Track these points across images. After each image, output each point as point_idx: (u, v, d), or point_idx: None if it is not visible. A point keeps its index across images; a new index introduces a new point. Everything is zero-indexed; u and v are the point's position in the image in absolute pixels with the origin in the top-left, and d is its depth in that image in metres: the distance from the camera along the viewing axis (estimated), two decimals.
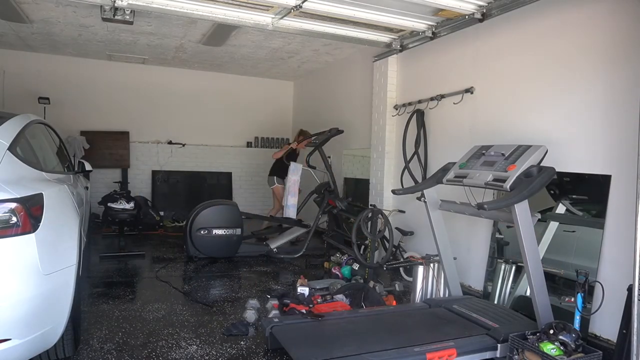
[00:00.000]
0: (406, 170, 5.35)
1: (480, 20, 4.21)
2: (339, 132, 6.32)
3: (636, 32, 3.07)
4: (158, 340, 3.24)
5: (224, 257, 5.75)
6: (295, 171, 6.45)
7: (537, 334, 2.85)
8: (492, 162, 3.27)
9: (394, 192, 3.96)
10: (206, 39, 6.46)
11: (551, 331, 2.79)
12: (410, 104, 5.46)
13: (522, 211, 2.95)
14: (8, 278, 2.15)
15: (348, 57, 7.18)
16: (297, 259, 5.81)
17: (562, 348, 2.70)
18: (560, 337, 2.75)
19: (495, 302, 3.98)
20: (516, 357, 2.83)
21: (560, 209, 3.71)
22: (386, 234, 4.88)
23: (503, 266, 4.00)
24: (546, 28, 3.76)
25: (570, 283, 3.44)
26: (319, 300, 4.02)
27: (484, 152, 3.43)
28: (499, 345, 3.01)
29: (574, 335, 2.75)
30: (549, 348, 2.69)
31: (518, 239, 3.01)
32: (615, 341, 2.81)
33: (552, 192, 3.77)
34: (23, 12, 5.49)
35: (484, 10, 4.14)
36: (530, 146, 3.15)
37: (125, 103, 8.51)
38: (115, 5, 4.11)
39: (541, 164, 3.10)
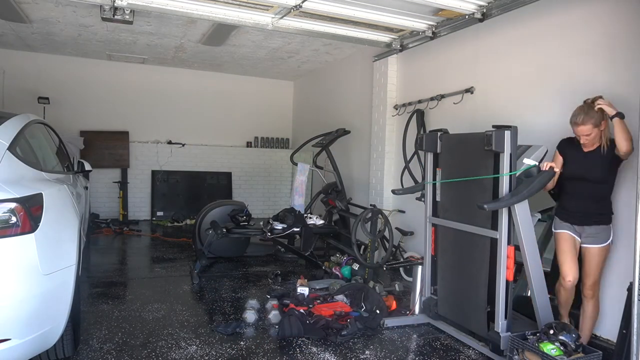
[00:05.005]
0: (406, 170, 5.35)
1: (481, 20, 4.21)
2: (345, 132, 6.34)
3: (636, 32, 3.07)
4: (158, 341, 3.24)
5: (232, 257, 5.76)
6: (302, 171, 6.46)
7: (537, 334, 2.85)
8: None
9: (394, 192, 3.97)
10: (206, 39, 6.45)
11: (551, 331, 2.79)
12: (410, 104, 5.46)
13: (522, 211, 2.96)
14: (8, 278, 2.15)
15: (348, 57, 7.18)
16: (298, 258, 5.81)
17: (562, 348, 2.69)
18: (561, 337, 2.75)
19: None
20: (516, 357, 2.83)
21: None
22: (386, 234, 4.88)
23: None
24: (546, 28, 3.76)
25: None
26: (318, 301, 4.02)
27: None
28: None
29: (574, 335, 2.75)
30: (549, 348, 2.68)
31: (518, 239, 3.01)
32: (615, 341, 2.81)
33: (552, 191, 3.76)
34: (23, 12, 5.49)
35: (484, 10, 4.14)
36: (530, 146, 3.16)
37: (125, 103, 8.50)
38: (115, 5, 4.11)
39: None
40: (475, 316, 3.26)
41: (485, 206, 2.89)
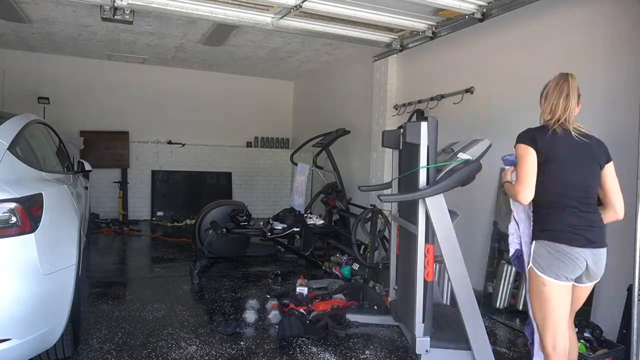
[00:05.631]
0: None
1: (480, 20, 4.21)
2: (345, 132, 6.34)
3: (636, 32, 3.08)
4: (158, 341, 3.24)
5: (232, 257, 5.76)
6: (302, 171, 6.46)
7: None
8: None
9: (360, 188, 3.87)
10: (206, 39, 6.45)
11: (575, 330, 2.79)
12: (410, 104, 5.46)
13: (434, 206, 2.78)
14: (8, 278, 2.15)
15: (348, 57, 7.17)
16: (298, 258, 5.81)
17: (587, 345, 2.70)
18: (585, 334, 2.76)
19: (497, 302, 3.96)
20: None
21: None
22: (386, 234, 4.88)
23: (505, 267, 3.99)
24: (546, 28, 3.76)
25: None
26: (317, 300, 4.03)
27: (452, 147, 3.26)
28: None
29: (598, 331, 2.76)
30: None
31: (433, 237, 2.87)
32: (615, 341, 2.81)
33: None
34: (23, 12, 5.49)
35: (484, 10, 4.13)
36: (476, 140, 3.07)
37: (125, 103, 8.50)
38: (115, 5, 4.11)
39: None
40: (411, 317, 3.05)
41: (381, 197, 2.86)
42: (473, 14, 4.18)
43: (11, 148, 2.51)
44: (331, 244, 5.96)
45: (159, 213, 8.56)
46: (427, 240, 2.83)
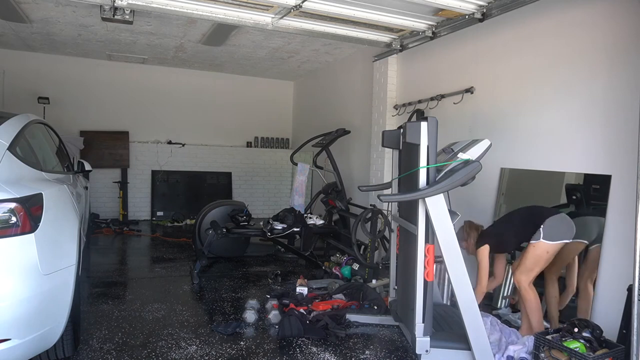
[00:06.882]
0: None
1: (480, 20, 4.21)
2: (345, 132, 6.34)
3: (636, 32, 3.07)
4: (158, 341, 3.24)
5: (232, 257, 5.76)
6: (302, 171, 6.46)
7: (560, 332, 2.85)
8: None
9: (360, 188, 3.88)
10: (206, 39, 6.45)
11: (575, 329, 2.79)
12: (410, 104, 5.46)
13: (434, 206, 2.78)
14: (8, 278, 2.15)
15: (348, 57, 7.18)
16: (298, 258, 5.81)
17: (586, 345, 2.70)
18: (584, 334, 2.76)
19: (497, 302, 3.96)
20: (542, 355, 2.82)
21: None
22: (386, 234, 4.88)
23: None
24: (546, 28, 3.76)
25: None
26: (317, 300, 4.03)
27: (452, 147, 3.26)
28: None
29: (598, 331, 2.76)
30: (574, 346, 2.68)
31: (433, 237, 2.85)
32: (615, 341, 2.81)
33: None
34: (23, 12, 5.49)
35: (484, 10, 4.14)
36: (476, 140, 3.07)
37: (125, 103, 8.50)
38: (115, 5, 4.11)
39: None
40: (411, 317, 3.04)
41: (381, 197, 2.86)
42: (473, 14, 4.18)
43: (11, 148, 2.51)
44: (331, 244, 5.96)
45: (159, 213, 8.57)
46: (427, 240, 2.83)
